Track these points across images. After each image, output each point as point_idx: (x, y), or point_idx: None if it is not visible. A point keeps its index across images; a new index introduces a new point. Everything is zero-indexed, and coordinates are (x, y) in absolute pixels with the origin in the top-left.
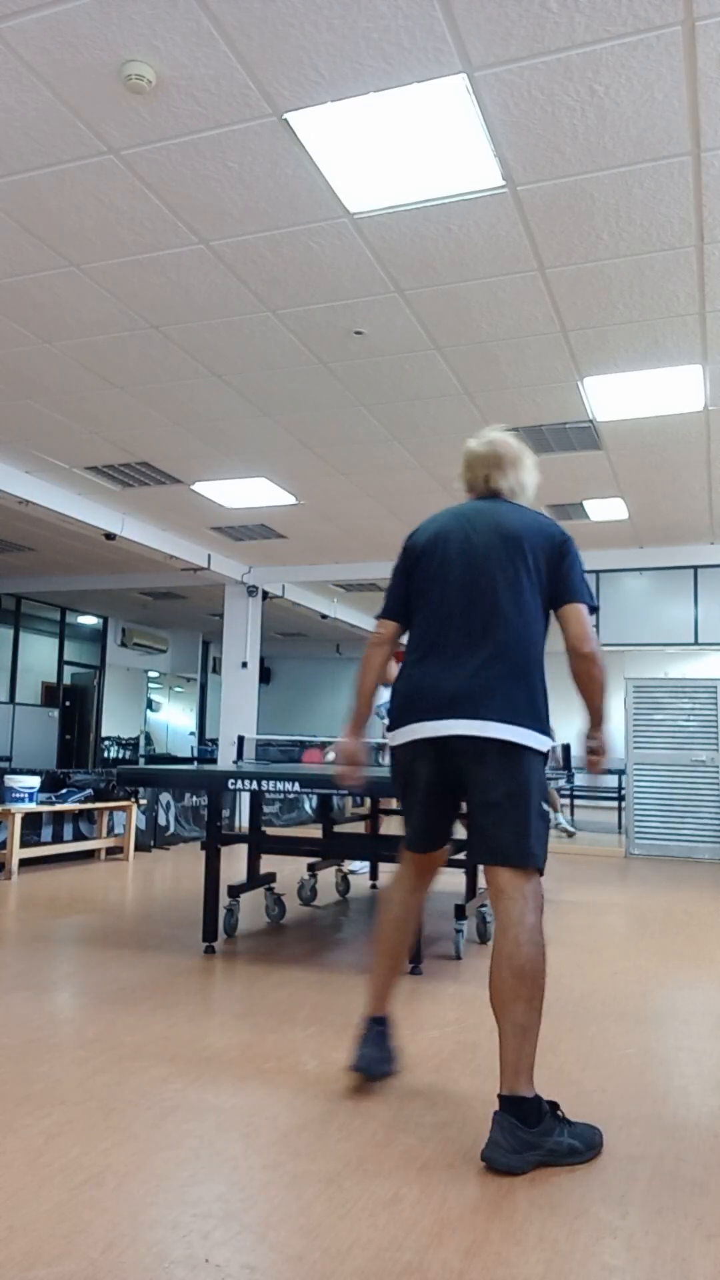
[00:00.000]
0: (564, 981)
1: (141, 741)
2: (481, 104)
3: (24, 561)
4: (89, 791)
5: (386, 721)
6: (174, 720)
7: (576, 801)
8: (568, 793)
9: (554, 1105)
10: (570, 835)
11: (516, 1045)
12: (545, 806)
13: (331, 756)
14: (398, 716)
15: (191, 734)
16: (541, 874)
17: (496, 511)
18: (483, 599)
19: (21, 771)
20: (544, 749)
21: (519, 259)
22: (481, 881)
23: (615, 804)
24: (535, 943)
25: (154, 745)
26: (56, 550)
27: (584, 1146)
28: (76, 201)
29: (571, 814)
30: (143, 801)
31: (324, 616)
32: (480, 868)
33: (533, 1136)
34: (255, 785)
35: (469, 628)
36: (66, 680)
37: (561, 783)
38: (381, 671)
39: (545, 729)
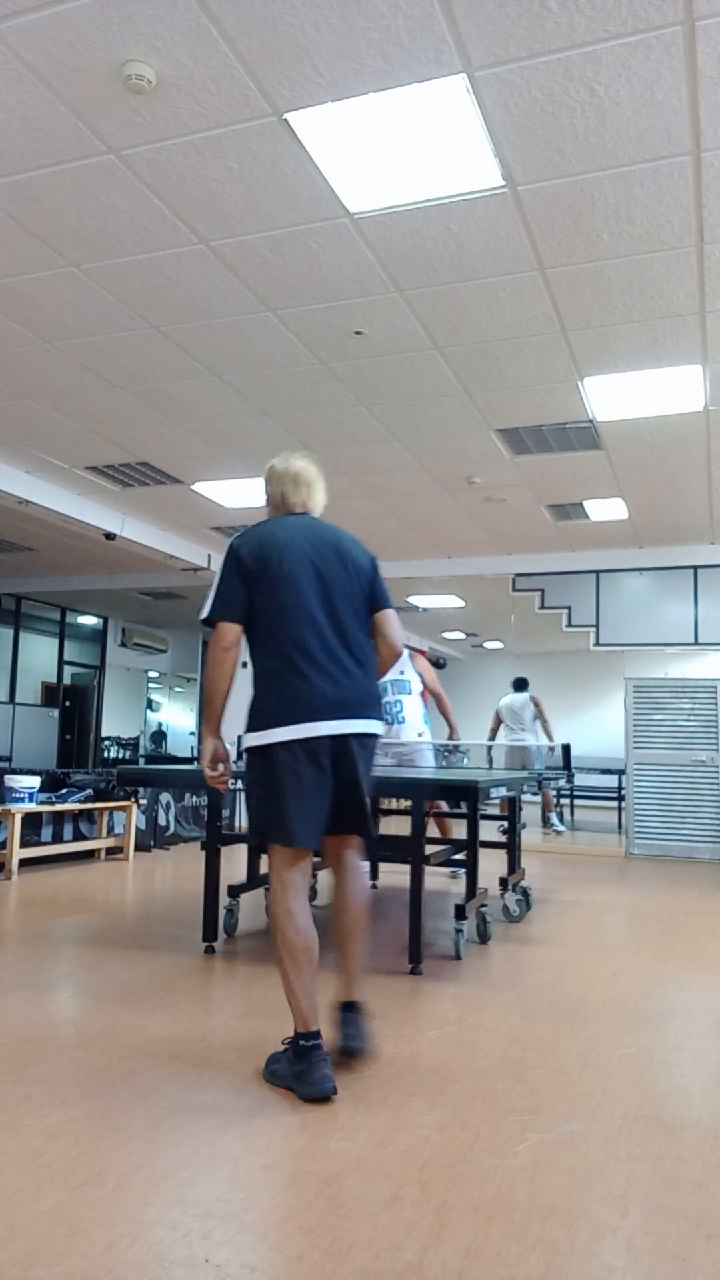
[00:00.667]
0: (564, 981)
1: (146, 741)
2: (481, 104)
3: (24, 561)
4: (89, 791)
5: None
6: (174, 720)
7: (576, 802)
8: (568, 792)
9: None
10: (559, 833)
11: (362, 961)
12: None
13: (209, 759)
14: (287, 715)
15: (192, 733)
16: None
17: (327, 530)
18: (342, 615)
19: (21, 771)
20: (379, 734)
21: (519, 259)
22: (481, 882)
23: (615, 804)
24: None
25: (166, 745)
26: (56, 550)
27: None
28: (76, 201)
29: (572, 814)
30: (143, 801)
31: None
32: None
33: (369, 1026)
34: None
35: (338, 640)
36: (66, 680)
37: (561, 783)
38: (234, 672)
39: (382, 718)
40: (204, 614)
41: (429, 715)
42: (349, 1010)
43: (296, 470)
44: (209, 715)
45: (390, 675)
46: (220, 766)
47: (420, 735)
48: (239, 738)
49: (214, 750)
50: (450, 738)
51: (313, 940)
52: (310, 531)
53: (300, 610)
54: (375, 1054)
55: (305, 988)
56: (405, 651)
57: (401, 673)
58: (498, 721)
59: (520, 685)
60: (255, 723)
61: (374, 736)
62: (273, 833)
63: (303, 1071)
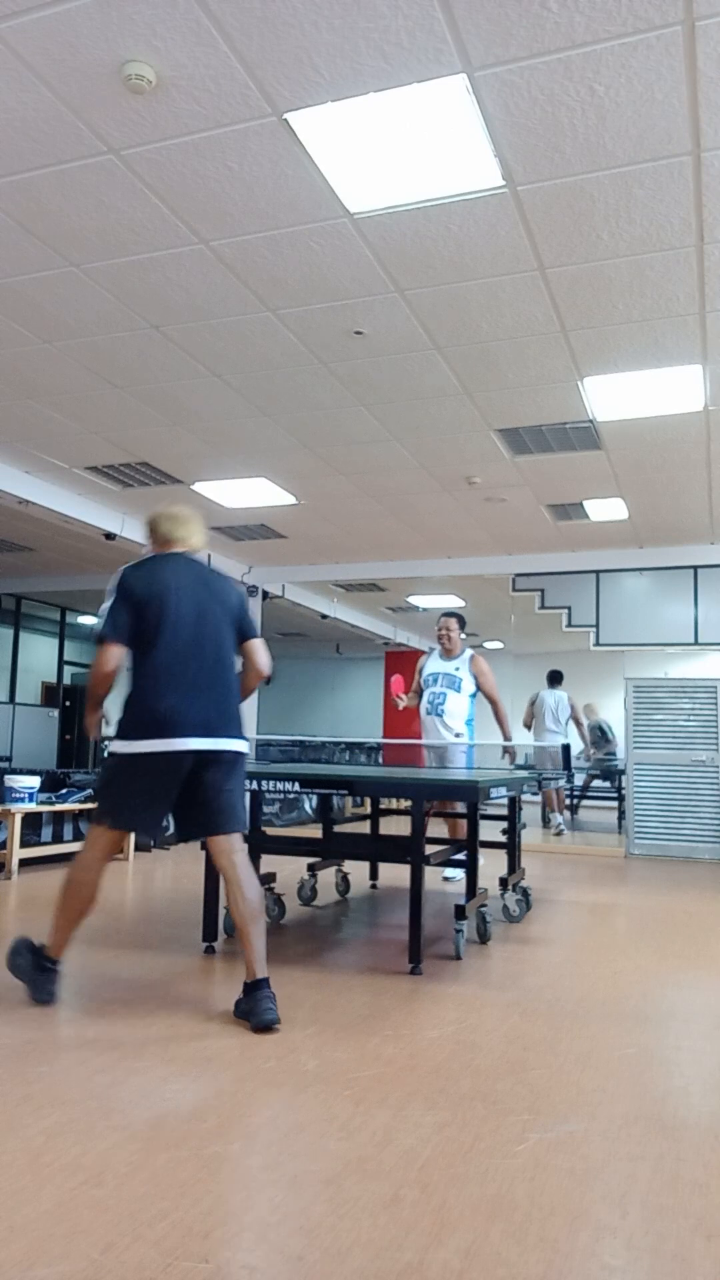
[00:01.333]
0: (564, 981)
1: None
2: (481, 104)
3: (24, 561)
4: (89, 791)
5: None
6: None
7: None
8: (569, 792)
9: (265, 980)
10: (558, 834)
11: (262, 944)
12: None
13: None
14: (153, 731)
15: None
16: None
17: (203, 570)
18: (211, 645)
19: (21, 771)
20: (245, 751)
21: (519, 259)
22: (481, 882)
23: (615, 804)
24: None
25: None
26: (56, 550)
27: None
28: (76, 201)
29: (572, 814)
30: None
31: (324, 616)
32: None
33: (275, 1001)
34: (255, 785)
35: (205, 666)
36: (66, 680)
37: (561, 782)
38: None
39: (245, 738)
40: (98, 632)
41: (475, 716)
42: (257, 989)
43: (176, 512)
44: (91, 710)
45: (445, 670)
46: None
47: (458, 736)
48: (107, 741)
49: (96, 719)
50: (505, 739)
51: (91, 897)
52: (190, 570)
53: (175, 640)
54: (281, 1025)
55: (70, 926)
56: (468, 652)
57: (456, 669)
58: (531, 715)
59: (557, 679)
60: (125, 732)
61: (235, 752)
62: (117, 820)
63: (38, 981)
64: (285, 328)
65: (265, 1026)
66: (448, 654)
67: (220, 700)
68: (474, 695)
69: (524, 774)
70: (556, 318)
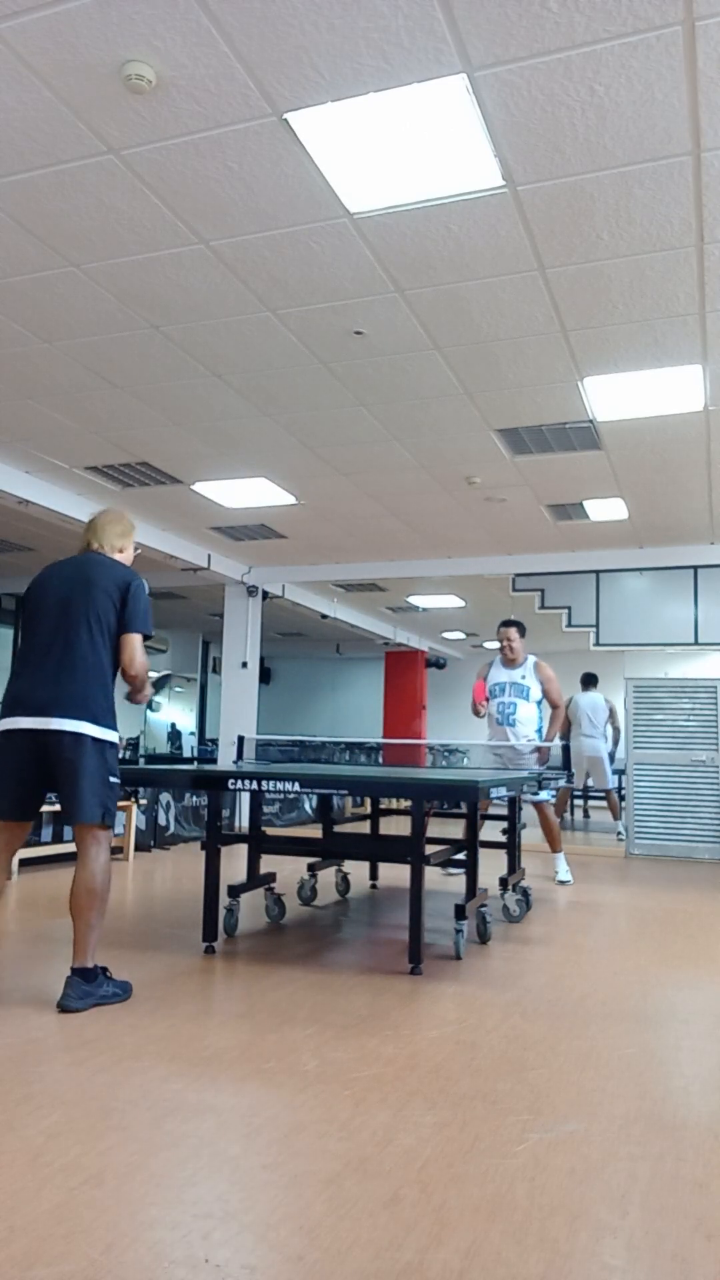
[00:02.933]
0: (564, 981)
1: (146, 742)
2: (481, 104)
3: (24, 561)
4: None
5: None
6: (175, 720)
7: (576, 801)
8: (580, 793)
9: (104, 969)
10: (620, 840)
11: (85, 936)
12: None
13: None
14: (5, 712)
15: (191, 733)
16: (110, 829)
17: (89, 564)
18: (68, 634)
19: None
20: (104, 738)
21: (519, 259)
22: (481, 882)
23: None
24: (105, 872)
25: (207, 744)
26: (56, 550)
27: (121, 991)
28: (76, 201)
29: (572, 814)
30: (143, 801)
31: (324, 616)
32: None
33: (90, 987)
34: (255, 785)
35: (55, 655)
36: None
37: (561, 782)
38: None
39: (106, 724)
40: None
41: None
42: (72, 974)
43: (92, 519)
44: None
45: (512, 679)
46: None
47: (530, 741)
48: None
49: None
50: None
51: None
52: (75, 566)
53: (39, 629)
54: (76, 1012)
55: None
56: (531, 659)
57: (523, 678)
58: (567, 723)
59: (592, 682)
60: None
61: (76, 735)
62: None
63: None
64: (285, 328)
65: (62, 1009)
66: (510, 663)
67: (64, 683)
68: (540, 702)
69: (524, 774)
70: (556, 318)
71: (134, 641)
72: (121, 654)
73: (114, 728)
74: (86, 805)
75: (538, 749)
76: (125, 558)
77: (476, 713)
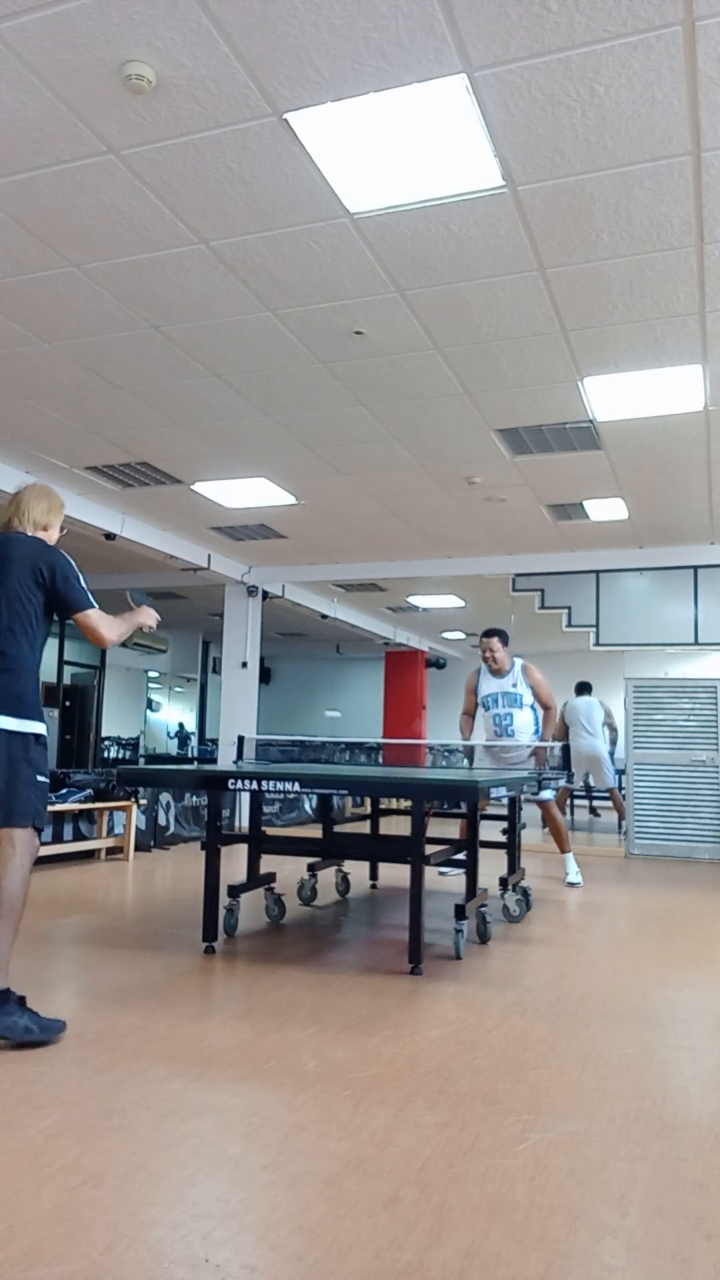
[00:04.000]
0: (564, 981)
1: (146, 742)
2: (481, 104)
3: None
4: (89, 791)
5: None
6: (175, 720)
7: (577, 801)
8: (581, 793)
9: (21, 999)
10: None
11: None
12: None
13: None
14: None
15: (192, 734)
16: (39, 830)
17: (12, 545)
18: (3, 620)
19: None
20: (29, 731)
21: (519, 259)
22: (481, 882)
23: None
24: (19, 880)
25: (208, 745)
26: None
27: (39, 1029)
28: (76, 201)
29: (572, 814)
30: (143, 801)
31: (324, 616)
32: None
33: None
34: (255, 785)
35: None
36: (66, 680)
37: (561, 782)
38: None
39: (30, 716)
40: None
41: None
42: None
43: (15, 494)
44: None
45: (503, 688)
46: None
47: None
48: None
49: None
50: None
51: None
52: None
53: None
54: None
55: None
56: (518, 664)
57: (514, 685)
58: (563, 725)
59: (586, 688)
60: None
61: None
62: None
63: None
64: (285, 328)
65: None
66: (498, 672)
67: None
68: (534, 705)
69: (524, 774)
70: (556, 318)
71: (89, 618)
72: (91, 632)
73: (35, 718)
74: (13, 808)
75: (534, 751)
76: (49, 537)
77: (464, 737)
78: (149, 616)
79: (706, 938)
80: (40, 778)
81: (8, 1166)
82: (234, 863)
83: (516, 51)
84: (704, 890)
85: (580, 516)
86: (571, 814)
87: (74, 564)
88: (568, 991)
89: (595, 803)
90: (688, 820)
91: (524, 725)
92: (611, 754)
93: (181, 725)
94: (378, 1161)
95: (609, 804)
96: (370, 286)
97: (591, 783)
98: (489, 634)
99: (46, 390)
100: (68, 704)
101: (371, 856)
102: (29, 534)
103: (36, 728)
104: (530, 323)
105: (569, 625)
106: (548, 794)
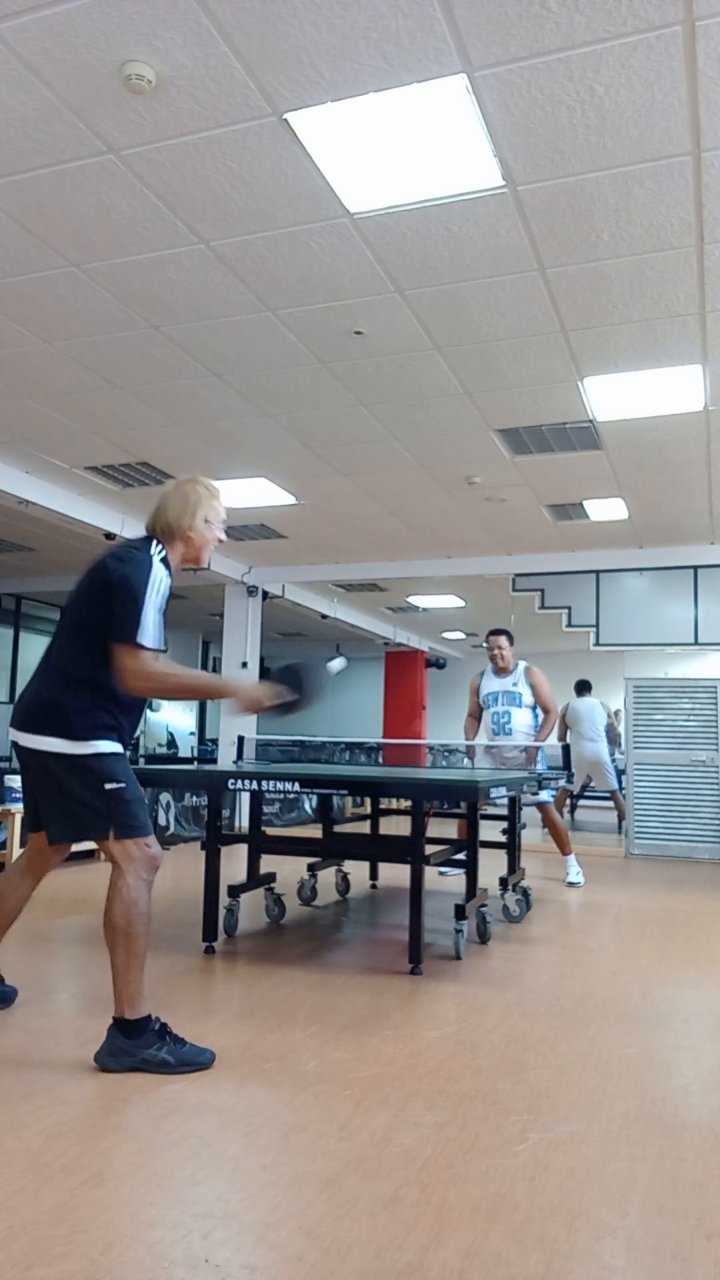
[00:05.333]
0: (564, 981)
1: (146, 743)
2: (481, 104)
3: (24, 561)
4: None
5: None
6: (175, 721)
7: (583, 802)
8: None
9: (164, 1026)
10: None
11: (114, 979)
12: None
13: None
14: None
15: (192, 733)
16: (138, 838)
17: (101, 556)
18: (62, 634)
19: None
20: (75, 752)
21: (519, 259)
22: (481, 882)
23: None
24: (123, 903)
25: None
26: (56, 550)
27: (176, 1061)
28: (76, 201)
29: (572, 814)
30: None
31: (324, 616)
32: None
33: (129, 1046)
34: (255, 785)
35: (47, 657)
36: None
37: (561, 782)
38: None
39: (77, 736)
40: None
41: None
42: (111, 1023)
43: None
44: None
45: (504, 687)
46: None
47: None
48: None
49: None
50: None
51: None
52: (98, 559)
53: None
54: (110, 1071)
55: None
56: (521, 665)
57: (514, 685)
58: (565, 727)
59: (586, 688)
60: None
61: (42, 751)
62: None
63: None
64: (285, 328)
65: (97, 1064)
66: (501, 671)
67: (36, 693)
68: (534, 707)
69: (524, 774)
70: (556, 318)
71: (118, 653)
72: (114, 668)
73: (84, 737)
74: (57, 824)
75: (526, 750)
76: (193, 540)
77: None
78: (253, 698)
79: (706, 938)
80: (110, 785)
81: (8, 1166)
82: (234, 863)
83: (516, 51)
84: (704, 890)
85: (580, 516)
86: (573, 814)
87: (152, 586)
88: (568, 991)
89: (581, 802)
90: (688, 820)
91: (522, 725)
92: (614, 757)
93: (171, 735)
94: (378, 1161)
95: (609, 804)
96: (370, 286)
97: (593, 785)
98: (497, 632)
99: (46, 390)
100: None
101: (371, 856)
102: (139, 540)
103: (71, 747)
104: (530, 323)
105: (569, 625)
106: (546, 795)
